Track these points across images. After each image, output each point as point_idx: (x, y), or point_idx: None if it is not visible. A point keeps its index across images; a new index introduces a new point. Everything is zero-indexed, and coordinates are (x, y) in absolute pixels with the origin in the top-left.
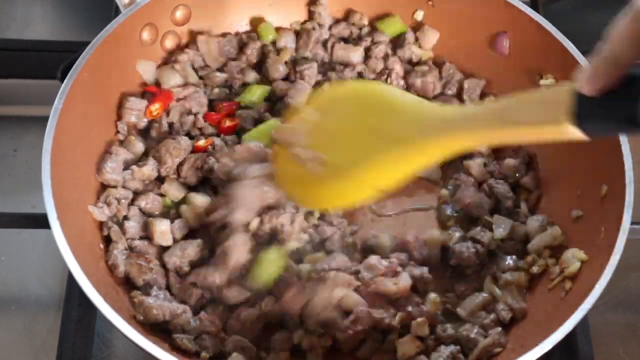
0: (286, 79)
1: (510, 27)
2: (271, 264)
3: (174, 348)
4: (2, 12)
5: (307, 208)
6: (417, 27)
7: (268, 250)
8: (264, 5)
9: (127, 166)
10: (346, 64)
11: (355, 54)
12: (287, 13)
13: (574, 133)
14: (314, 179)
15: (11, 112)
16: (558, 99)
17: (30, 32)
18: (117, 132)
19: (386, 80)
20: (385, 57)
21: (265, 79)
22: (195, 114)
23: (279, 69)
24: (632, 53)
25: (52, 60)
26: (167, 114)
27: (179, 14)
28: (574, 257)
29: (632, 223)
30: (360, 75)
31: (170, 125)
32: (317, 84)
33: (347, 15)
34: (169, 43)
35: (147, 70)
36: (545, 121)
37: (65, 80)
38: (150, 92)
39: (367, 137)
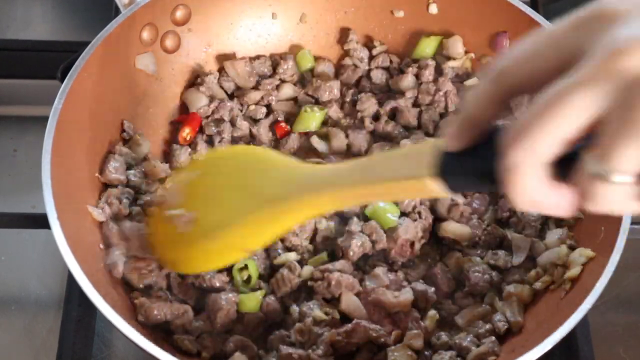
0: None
1: (510, 27)
2: (251, 303)
3: (175, 348)
4: (2, 12)
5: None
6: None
7: (244, 299)
8: (264, 5)
9: (129, 166)
10: (399, 92)
11: (405, 81)
12: (287, 16)
13: (437, 189)
14: (183, 239)
15: (11, 112)
16: (422, 153)
17: (30, 32)
18: (123, 130)
19: (446, 105)
20: (435, 80)
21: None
22: (230, 121)
23: (331, 90)
24: (491, 113)
25: (52, 60)
26: (202, 133)
27: (179, 14)
28: (581, 256)
29: (632, 223)
30: (415, 102)
31: (210, 138)
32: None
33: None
34: (169, 43)
35: (147, 64)
36: (408, 175)
37: (65, 80)
38: (178, 121)
39: (239, 196)
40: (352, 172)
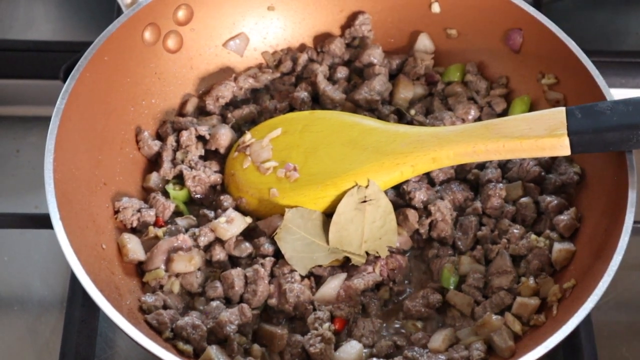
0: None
1: (512, 26)
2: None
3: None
4: (4, 12)
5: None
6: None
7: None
8: (266, 5)
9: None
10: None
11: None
12: (287, 17)
13: (565, 147)
14: (284, 186)
15: (14, 113)
16: (555, 115)
17: (33, 32)
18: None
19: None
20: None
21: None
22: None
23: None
24: None
25: (54, 61)
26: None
27: (181, 14)
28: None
29: (635, 222)
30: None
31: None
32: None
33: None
34: (171, 43)
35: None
36: (543, 134)
37: (67, 81)
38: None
39: (350, 150)
40: (478, 129)
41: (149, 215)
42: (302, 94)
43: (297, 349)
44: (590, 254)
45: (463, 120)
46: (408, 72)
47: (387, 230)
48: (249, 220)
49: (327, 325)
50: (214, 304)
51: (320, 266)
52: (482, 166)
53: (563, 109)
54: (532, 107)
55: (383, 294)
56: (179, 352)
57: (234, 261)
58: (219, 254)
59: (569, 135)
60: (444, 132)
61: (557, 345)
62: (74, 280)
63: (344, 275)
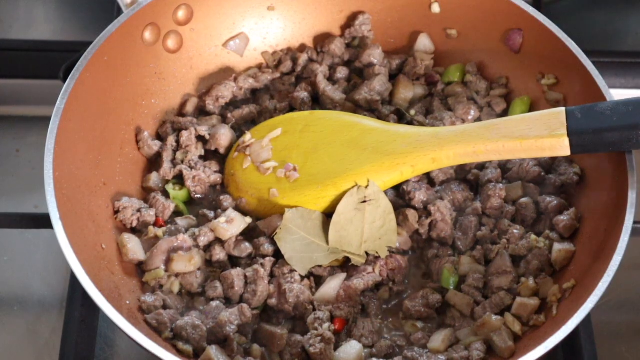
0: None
1: (512, 26)
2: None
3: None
4: (5, 12)
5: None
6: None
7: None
8: (264, 5)
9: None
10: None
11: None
12: (287, 17)
13: (565, 147)
14: (284, 186)
15: (14, 112)
16: (554, 115)
17: (33, 32)
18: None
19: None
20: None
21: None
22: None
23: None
24: None
25: (54, 61)
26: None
27: (181, 14)
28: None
29: (635, 222)
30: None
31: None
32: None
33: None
34: (171, 43)
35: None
36: (543, 134)
37: (67, 81)
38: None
39: (349, 150)
40: (478, 130)
41: (149, 215)
42: (302, 94)
43: (297, 349)
44: (590, 254)
45: (463, 121)
46: (408, 73)
47: (387, 230)
48: (249, 220)
49: (327, 325)
50: (214, 304)
51: (320, 266)
52: (482, 166)
53: (563, 109)
54: (532, 107)
55: (383, 294)
56: (179, 352)
57: (234, 261)
58: (219, 254)
59: (568, 135)
60: (444, 132)
61: (557, 345)
62: (74, 280)
63: (343, 276)
